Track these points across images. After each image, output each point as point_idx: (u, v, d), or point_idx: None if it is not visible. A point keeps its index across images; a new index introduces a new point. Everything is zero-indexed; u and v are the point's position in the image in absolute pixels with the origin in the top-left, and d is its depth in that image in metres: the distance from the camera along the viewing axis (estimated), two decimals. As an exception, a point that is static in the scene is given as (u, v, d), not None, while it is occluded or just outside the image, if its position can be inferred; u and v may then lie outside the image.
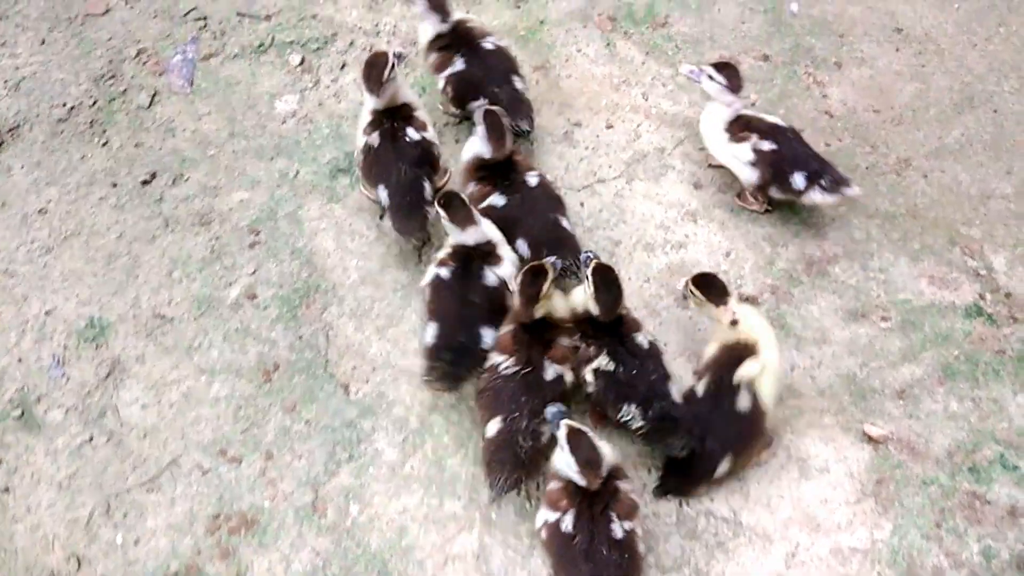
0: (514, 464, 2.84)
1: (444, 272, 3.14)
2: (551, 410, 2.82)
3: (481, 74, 3.64)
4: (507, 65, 3.72)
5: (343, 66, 4.10)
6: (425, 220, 3.37)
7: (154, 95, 3.96)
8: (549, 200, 3.44)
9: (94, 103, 3.92)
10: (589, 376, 2.96)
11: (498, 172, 3.43)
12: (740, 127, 3.51)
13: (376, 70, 3.30)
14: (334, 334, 3.40)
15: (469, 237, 3.12)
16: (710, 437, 2.94)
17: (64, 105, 3.90)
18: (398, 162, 3.34)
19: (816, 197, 3.47)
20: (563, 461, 2.70)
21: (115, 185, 3.72)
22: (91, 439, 3.18)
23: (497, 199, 3.38)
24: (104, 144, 3.82)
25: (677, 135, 3.92)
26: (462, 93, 3.69)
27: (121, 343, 3.36)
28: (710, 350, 3.07)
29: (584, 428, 2.70)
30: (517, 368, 2.90)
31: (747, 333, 2.98)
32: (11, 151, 3.78)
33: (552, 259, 3.09)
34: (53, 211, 3.65)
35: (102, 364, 3.32)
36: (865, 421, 3.24)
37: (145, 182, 3.72)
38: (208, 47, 4.11)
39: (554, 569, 2.79)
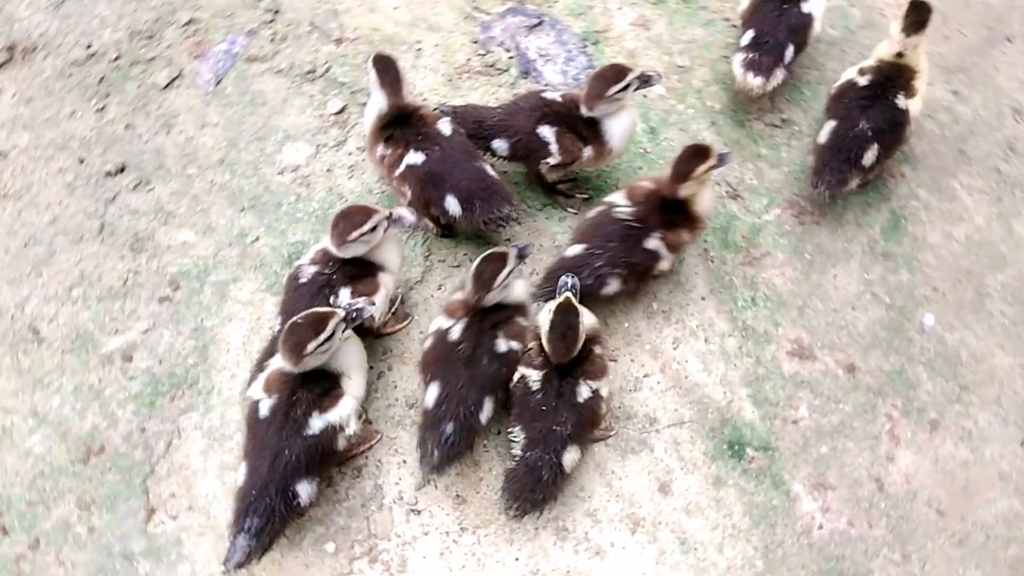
0: (439, 443, 2.74)
1: (264, 403, 2.61)
2: (567, 279, 2.83)
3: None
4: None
5: (380, 136, 3.49)
6: None
7: (175, 78, 3.53)
8: (467, 147, 3.09)
9: (117, 58, 3.54)
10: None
11: (406, 127, 3.05)
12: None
13: (345, 225, 2.72)
14: (178, 445, 2.96)
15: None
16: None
17: (88, 47, 3.54)
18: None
19: (737, 58, 3.44)
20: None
21: (82, 162, 3.36)
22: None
23: (414, 156, 3.01)
24: (100, 110, 3.46)
25: (683, 413, 3.09)
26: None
27: (-16, 340, 3.09)
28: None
29: (577, 310, 2.70)
30: (463, 343, 2.82)
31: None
32: (13, 73, 3.49)
33: (520, 246, 2.87)
34: (12, 160, 3.35)
35: (-45, 352, 3.06)
36: None
37: (110, 173, 3.34)
38: (259, 48, 3.60)
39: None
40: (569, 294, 2.76)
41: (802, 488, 3.00)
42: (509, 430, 2.81)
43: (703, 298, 3.27)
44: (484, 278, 2.77)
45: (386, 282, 2.90)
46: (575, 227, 3.14)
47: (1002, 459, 3.09)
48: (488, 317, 2.86)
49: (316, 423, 2.58)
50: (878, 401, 3.15)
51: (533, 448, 2.75)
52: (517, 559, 2.86)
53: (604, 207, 3.05)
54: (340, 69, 3.59)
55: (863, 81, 3.29)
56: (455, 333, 2.84)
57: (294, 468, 2.54)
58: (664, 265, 3.06)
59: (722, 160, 2.91)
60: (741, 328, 3.23)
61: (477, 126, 3.14)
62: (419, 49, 3.68)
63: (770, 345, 3.21)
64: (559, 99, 3.15)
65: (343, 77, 3.57)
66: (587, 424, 2.81)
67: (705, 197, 3.00)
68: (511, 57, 3.67)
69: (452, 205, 3.02)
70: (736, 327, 3.23)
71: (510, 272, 2.79)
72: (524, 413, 2.77)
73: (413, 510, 2.90)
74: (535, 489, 2.75)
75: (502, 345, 2.84)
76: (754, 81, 3.39)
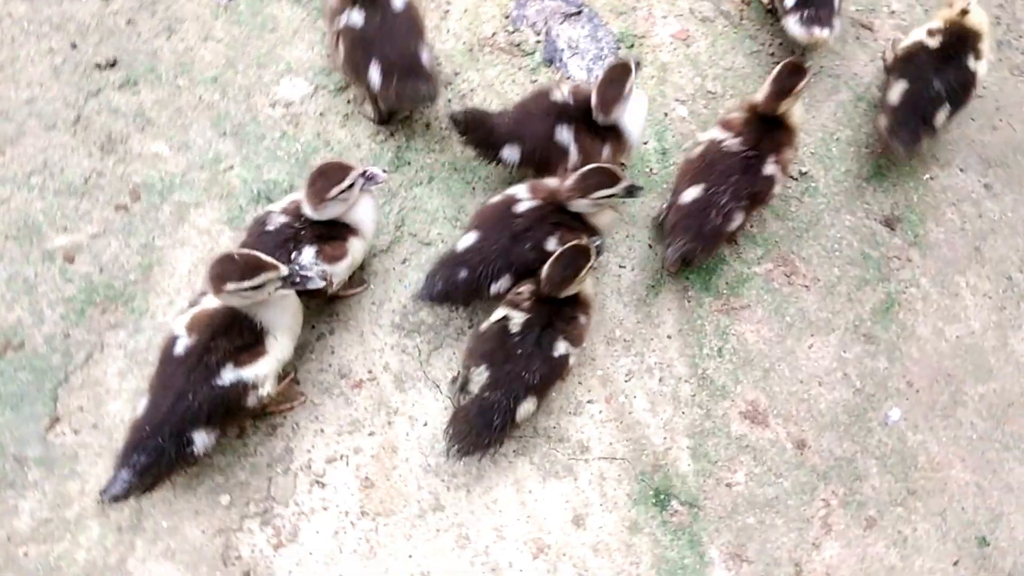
0: (447, 279, 2.79)
1: (182, 341, 2.48)
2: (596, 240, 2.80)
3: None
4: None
5: (384, 91, 3.33)
6: None
7: (191, -17, 3.38)
8: (412, 27, 3.02)
9: (138, -52, 3.39)
10: None
11: None
12: None
13: (323, 183, 2.62)
14: (98, 359, 2.86)
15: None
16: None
17: (112, -72, 3.39)
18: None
19: (791, 20, 3.35)
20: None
21: (74, 47, 3.22)
22: None
23: (355, 17, 2.97)
24: (107, -2, 3.31)
25: (617, 448, 2.96)
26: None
27: (-69, 207, 2.98)
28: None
29: (589, 259, 2.66)
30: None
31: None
32: (27, -59, 3.35)
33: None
34: (4, 30, 3.22)
35: (-100, 211, 2.96)
36: None
37: (99, 65, 3.21)
38: (284, -29, 3.44)
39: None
40: (593, 245, 2.69)
41: (718, 554, 2.88)
42: (469, 365, 2.72)
43: (669, 336, 3.13)
44: (586, 184, 2.77)
45: (355, 248, 2.77)
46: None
47: (931, 574, 2.95)
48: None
49: (228, 375, 2.46)
50: (819, 485, 3.01)
51: (494, 390, 2.68)
52: (411, 556, 2.76)
53: (707, 143, 3.06)
54: (360, 13, 3.41)
55: (933, 43, 3.27)
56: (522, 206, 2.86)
57: (194, 415, 2.43)
58: (777, 189, 3.07)
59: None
60: (699, 376, 3.09)
61: (487, 134, 2.95)
62: (447, 11, 3.50)
63: (724, 401, 3.07)
64: (570, 99, 2.98)
65: (361, 22, 3.40)
66: (552, 380, 2.76)
67: (799, 109, 3.08)
68: (539, 41, 3.48)
69: (374, 74, 2.97)
70: (695, 374, 3.09)
71: (612, 195, 2.80)
72: (496, 352, 2.69)
73: (318, 482, 2.80)
74: (483, 433, 2.69)
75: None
76: (822, 34, 3.31)
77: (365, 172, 2.68)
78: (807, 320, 3.22)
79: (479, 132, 2.95)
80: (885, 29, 3.77)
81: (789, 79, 2.94)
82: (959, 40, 3.27)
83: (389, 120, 3.25)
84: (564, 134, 2.96)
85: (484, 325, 2.78)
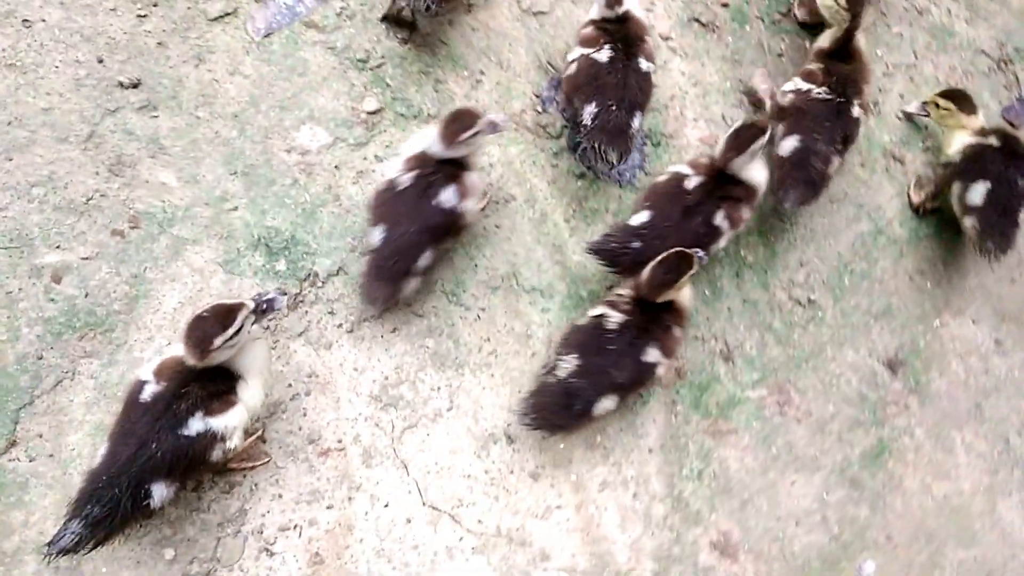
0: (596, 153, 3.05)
1: (149, 387, 2.41)
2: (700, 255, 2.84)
3: None
4: None
5: (404, 151, 3.28)
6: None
7: (228, 14, 3.34)
8: None
9: (181, -28, 3.36)
10: None
11: None
12: None
13: (458, 125, 2.84)
14: (67, 387, 2.79)
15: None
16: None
17: (158, -51, 3.36)
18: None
19: None
20: None
21: (100, 62, 3.19)
22: None
23: None
24: (141, 16, 3.28)
25: (579, 561, 2.86)
26: None
27: (-73, 203, 2.93)
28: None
29: (691, 267, 2.74)
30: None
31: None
32: (73, -51, 3.33)
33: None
34: (35, 33, 3.18)
35: None
36: None
37: (122, 84, 3.17)
38: (323, 16, 3.40)
39: None
40: (697, 257, 2.76)
41: None
42: (559, 354, 2.79)
43: (650, 450, 3.04)
44: (740, 140, 2.92)
45: (473, 183, 2.92)
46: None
47: None
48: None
49: (196, 424, 2.39)
50: (782, 630, 2.91)
51: (581, 378, 2.72)
52: (348, 643, 2.66)
53: (795, 92, 3.24)
54: (393, 70, 3.38)
55: (996, 142, 3.27)
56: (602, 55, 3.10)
57: (155, 465, 2.35)
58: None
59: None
60: (675, 497, 3.00)
61: (646, 245, 2.89)
62: (479, 80, 3.46)
63: (697, 527, 2.97)
64: (705, 163, 3.04)
65: (392, 79, 3.36)
66: (637, 384, 2.80)
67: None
68: (565, 126, 3.43)
69: None
70: (671, 494, 3.00)
71: (762, 145, 2.94)
72: (588, 345, 2.77)
73: (267, 550, 2.71)
74: (560, 413, 2.75)
75: (643, 65, 3.11)
76: None
77: (491, 119, 2.89)
78: (794, 454, 3.13)
79: (631, 251, 2.91)
80: (916, 164, 3.71)
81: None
82: (1010, 136, 3.29)
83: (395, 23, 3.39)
84: (720, 216, 2.98)
85: (580, 320, 2.87)
